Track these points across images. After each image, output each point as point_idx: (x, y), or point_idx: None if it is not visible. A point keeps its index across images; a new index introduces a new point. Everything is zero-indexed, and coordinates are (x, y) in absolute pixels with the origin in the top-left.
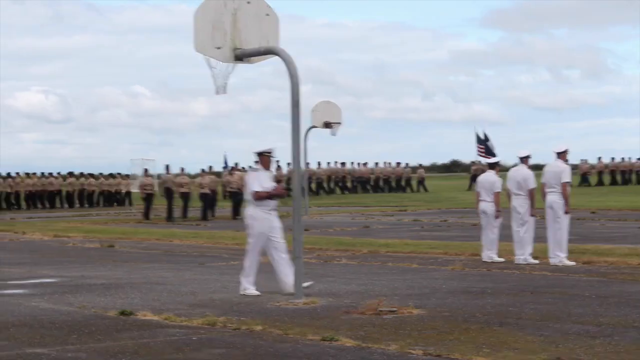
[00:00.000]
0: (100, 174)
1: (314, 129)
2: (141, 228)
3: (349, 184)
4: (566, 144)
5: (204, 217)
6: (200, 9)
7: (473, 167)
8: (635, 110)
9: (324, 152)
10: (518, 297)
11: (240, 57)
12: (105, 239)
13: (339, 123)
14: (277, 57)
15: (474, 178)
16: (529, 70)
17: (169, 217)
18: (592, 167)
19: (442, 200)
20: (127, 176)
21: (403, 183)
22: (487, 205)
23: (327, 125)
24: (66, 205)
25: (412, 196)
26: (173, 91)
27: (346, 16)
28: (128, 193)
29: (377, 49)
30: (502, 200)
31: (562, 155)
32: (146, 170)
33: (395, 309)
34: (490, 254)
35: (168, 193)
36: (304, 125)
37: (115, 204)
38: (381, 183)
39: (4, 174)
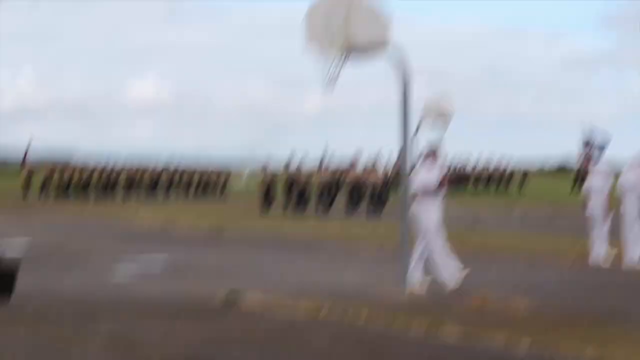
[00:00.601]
0: (197, 165)
1: (423, 125)
2: (250, 216)
3: None
4: None
5: (325, 209)
6: (312, 6)
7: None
8: None
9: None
10: (629, 294)
11: (352, 53)
12: (215, 225)
13: (450, 118)
14: (388, 53)
15: (576, 180)
16: None
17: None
18: None
19: (552, 199)
20: (221, 168)
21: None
22: (596, 205)
23: (438, 120)
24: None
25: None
26: (286, 87)
27: (462, 20)
28: (224, 184)
29: (492, 53)
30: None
31: None
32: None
33: (502, 301)
34: (598, 253)
35: (295, 186)
36: (414, 120)
37: (211, 194)
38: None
39: (116, 162)
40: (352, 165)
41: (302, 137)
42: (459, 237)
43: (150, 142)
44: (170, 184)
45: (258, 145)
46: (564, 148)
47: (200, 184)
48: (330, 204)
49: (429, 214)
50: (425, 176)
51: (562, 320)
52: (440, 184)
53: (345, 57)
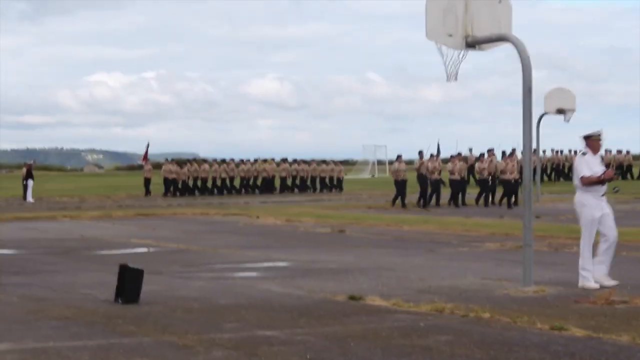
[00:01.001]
0: (313, 160)
1: (546, 116)
2: (372, 214)
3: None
4: None
5: (455, 204)
6: None
7: None
8: None
9: (556, 139)
10: None
11: (472, 44)
12: (337, 224)
13: (573, 110)
14: (509, 43)
15: None
16: None
17: (421, 204)
18: None
19: None
20: (339, 162)
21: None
22: None
23: (560, 111)
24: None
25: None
26: (406, 78)
27: (583, 0)
28: (339, 179)
29: (614, 33)
30: None
31: None
32: (399, 156)
33: (627, 299)
34: None
35: (422, 179)
36: (536, 111)
37: (325, 190)
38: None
39: (236, 159)
40: (482, 157)
41: (424, 128)
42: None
43: (274, 136)
44: (285, 180)
45: (380, 136)
46: None
47: (315, 179)
48: (455, 197)
49: (588, 210)
50: (586, 169)
51: None
52: (602, 178)
53: (467, 48)
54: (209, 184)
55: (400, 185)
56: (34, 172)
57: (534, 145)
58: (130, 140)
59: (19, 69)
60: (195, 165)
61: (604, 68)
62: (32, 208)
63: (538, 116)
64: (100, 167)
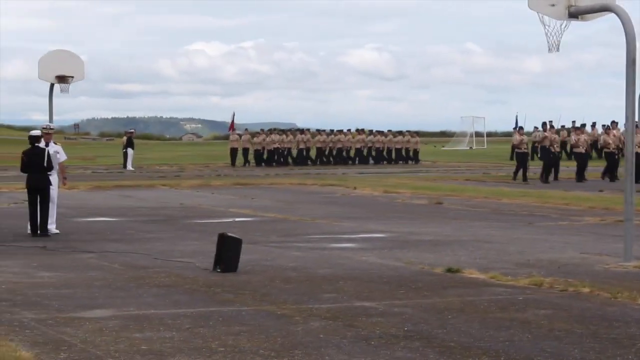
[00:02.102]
0: (389, 130)
1: None
2: (470, 186)
3: None
4: None
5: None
6: None
7: None
8: None
9: None
10: None
11: (575, 14)
12: (434, 195)
13: None
14: (612, 14)
15: None
16: None
17: (543, 177)
18: None
19: None
20: (417, 133)
21: None
22: None
23: None
24: (350, 163)
25: None
26: (506, 49)
27: None
28: (416, 151)
29: None
30: None
31: None
32: (521, 127)
33: None
34: None
35: (544, 152)
36: None
37: (401, 161)
38: None
39: (327, 129)
40: (580, 130)
41: (523, 99)
42: None
43: (371, 107)
44: (361, 151)
45: (479, 108)
46: None
47: (391, 151)
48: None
49: None
50: None
51: None
52: None
53: (569, 18)
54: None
55: (522, 158)
56: (134, 141)
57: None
58: (229, 110)
59: (119, 37)
60: (263, 135)
61: None
62: (132, 176)
63: None
64: (198, 136)
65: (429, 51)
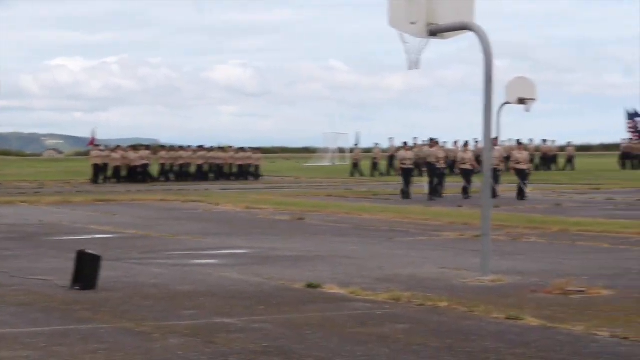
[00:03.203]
0: (230, 147)
1: (507, 105)
2: (331, 202)
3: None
4: None
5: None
6: None
7: (623, 145)
8: None
9: (517, 129)
10: None
11: (434, 32)
12: (296, 211)
13: (533, 99)
14: (471, 32)
15: (623, 156)
16: None
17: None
18: None
19: (638, 179)
20: (258, 149)
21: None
22: None
23: (521, 101)
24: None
25: (606, 174)
26: (370, 66)
27: None
28: (257, 167)
29: (579, 25)
30: None
31: None
32: (405, 143)
33: (583, 289)
34: None
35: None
36: (497, 101)
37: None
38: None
39: (194, 146)
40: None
41: (386, 116)
42: (534, 222)
43: (236, 123)
44: (202, 167)
45: (343, 124)
46: None
47: (220, 167)
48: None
49: None
50: None
51: None
52: None
53: (429, 36)
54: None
55: (406, 174)
56: None
57: (494, 134)
58: (92, 125)
59: None
60: (108, 151)
61: (568, 59)
62: None
63: (499, 105)
64: (60, 152)
65: (293, 68)
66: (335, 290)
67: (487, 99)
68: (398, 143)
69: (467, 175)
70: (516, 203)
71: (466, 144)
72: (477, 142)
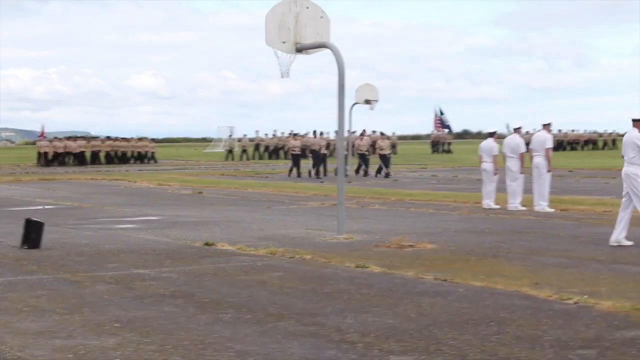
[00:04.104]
0: (132, 137)
1: (357, 105)
2: (224, 179)
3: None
4: (550, 118)
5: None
6: (270, 12)
7: (432, 136)
8: (610, 91)
9: (365, 124)
10: (509, 235)
11: (300, 49)
12: (197, 187)
13: (377, 100)
14: (328, 49)
15: (433, 144)
16: (528, 60)
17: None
18: (568, 135)
19: (455, 160)
20: (153, 139)
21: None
22: (487, 165)
23: (367, 102)
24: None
25: (423, 157)
26: (254, 75)
27: (389, 17)
28: (153, 153)
29: (410, 43)
30: (499, 161)
31: (546, 126)
32: (296, 134)
33: (414, 243)
34: (489, 202)
35: (313, 153)
36: (349, 101)
37: (139, 161)
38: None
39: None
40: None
41: (266, 114)
42: (379, 193)
43: (151, 119)
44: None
45: (233, 120)
46: (464, 119)
47: (123, 154)
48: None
49: None
50: None
51: (457, 257)
52: None
53: (296, 52)
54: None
55: (295, 158)
56: None
57: (347, 127)
58: (38, 121)
59: None
60: (52, 141)
61: (402, 69)
62: None
63: (350, 105)
64: (12, 142)
65: (194, 76)
66: (226, 247)
67: (340, 100)
68: (262, 134)
69: (363, 158)
70: (371, 179)
71: (321, 133)
72: (374, 132)
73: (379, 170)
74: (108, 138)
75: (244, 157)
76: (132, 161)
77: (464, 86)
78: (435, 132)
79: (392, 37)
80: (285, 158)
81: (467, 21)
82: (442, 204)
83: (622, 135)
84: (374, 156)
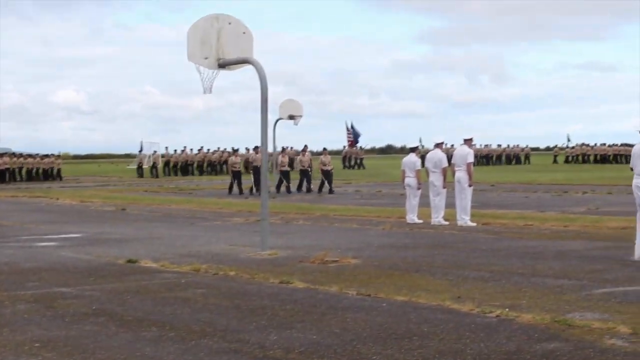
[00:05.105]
0: (37, 154)
1: (281, 120)
2: (148, 196)
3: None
4: (472, 132)
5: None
6: (192, 28)
7: (344, 151)
8: (529, 107)
9: (289, 138)
10: (431, 250)
11: (223, 65)
12: (120, 203)
13: (300, 116)
14: (251, 65)
15: (344, 159)
16: (450, 75)
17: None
18: (493, 150)
19: (379, 175)
20: (59, 156)
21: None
22: (410, 180)
23: (291, 117)
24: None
25: (354, 172)
26: (177, 90)
27: (315, 32)
28: (59, 170)
29: (336, 59)
30: (422, 175)
31: (468, 141)
32: (256, 147)
33: (337, 259)
34: (412, 217)
35: (254, 169)
36: (273, 117)
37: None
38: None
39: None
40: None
41: (190, 129)
42: (303, 209)
43: (73, 135)
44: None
45: (157, 135)
46: (388, 134)
47: (29, 170)
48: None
49: None
50: None
51: (381, 272)
52: None
53: (218, 68)
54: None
55: (235, 175)
56: None
57: (271, 143)
58: None
59: None
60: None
61: (327, 84)
62: None
63: (274, 120)
64: None
65: (117, 92)
66: (150, 264)
67: (263, 116)
68: (188, 150)
69: (326, 174)
70: (288, 195)
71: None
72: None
73: (321, 188)
74: (13, 155)
75: (154, 172)
76: (40, 178)
77: (387, 101)
78: (348, 147)
79: (317, 52)
80: (193, 174)
81: (391, 37)
82: (365, 219)
83: (535, 150)
84: (295, 171)
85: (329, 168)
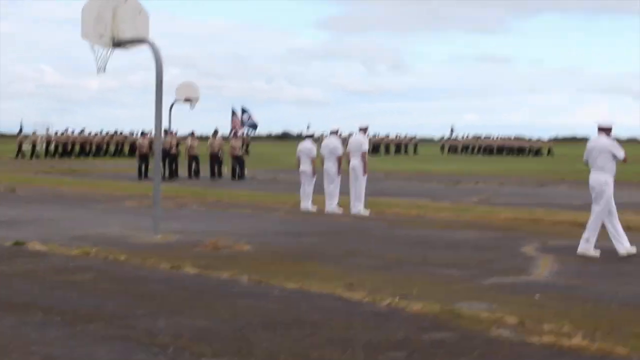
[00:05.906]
0: None
1: (176, 104)
2: (39, 177)
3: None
4: (369, 121)
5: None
6: (86, 5)
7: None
8: (425, 97)
9: (186, 122)
10: (324, 237)
11: (118, 44)
12: (8, 184)
13: (197, 99)
14: (147, 45)
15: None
16: (348, 63)
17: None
18: (383, 139)
19: (274, 162)
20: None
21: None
22: (305, 167)
23: (187, 100)
24: None
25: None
26: (73, 69)
27: (212, 16)
28: None
29: (233, 43)
30: (317, 163)
31: (363, 130)
32: (194, 134)
33: (230, 245)
34: (306, 204)
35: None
36: (169, 99)
37: None
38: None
39: None
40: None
41: (86, 110)
42: (198, 194)
43: None
44: None
45: (51, 115)
46: (285, 121)
47: None
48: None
49: (610, 188)
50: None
51: (273, 259)
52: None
53: (113, 47)
54: None
55: (143, 157)
56: None
57: (167, 126)
58: None
59: None
60: None
61: (224, 68)
62: None
63: (170, 103)
64: None
65: (9, 70)
66: (38, 247)
67: (158, 97)
68: (87, 132)
69: (238, 159)
70: (185, 179)
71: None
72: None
73: (234, 174)
74: None
75: (34, 154)
76: None
77: (284, 87)
78: (232, 136)
79: (215, 36)
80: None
81: (290, 23)
82: (260, 205)
83: (430, 140)
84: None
85: (239, 153)
